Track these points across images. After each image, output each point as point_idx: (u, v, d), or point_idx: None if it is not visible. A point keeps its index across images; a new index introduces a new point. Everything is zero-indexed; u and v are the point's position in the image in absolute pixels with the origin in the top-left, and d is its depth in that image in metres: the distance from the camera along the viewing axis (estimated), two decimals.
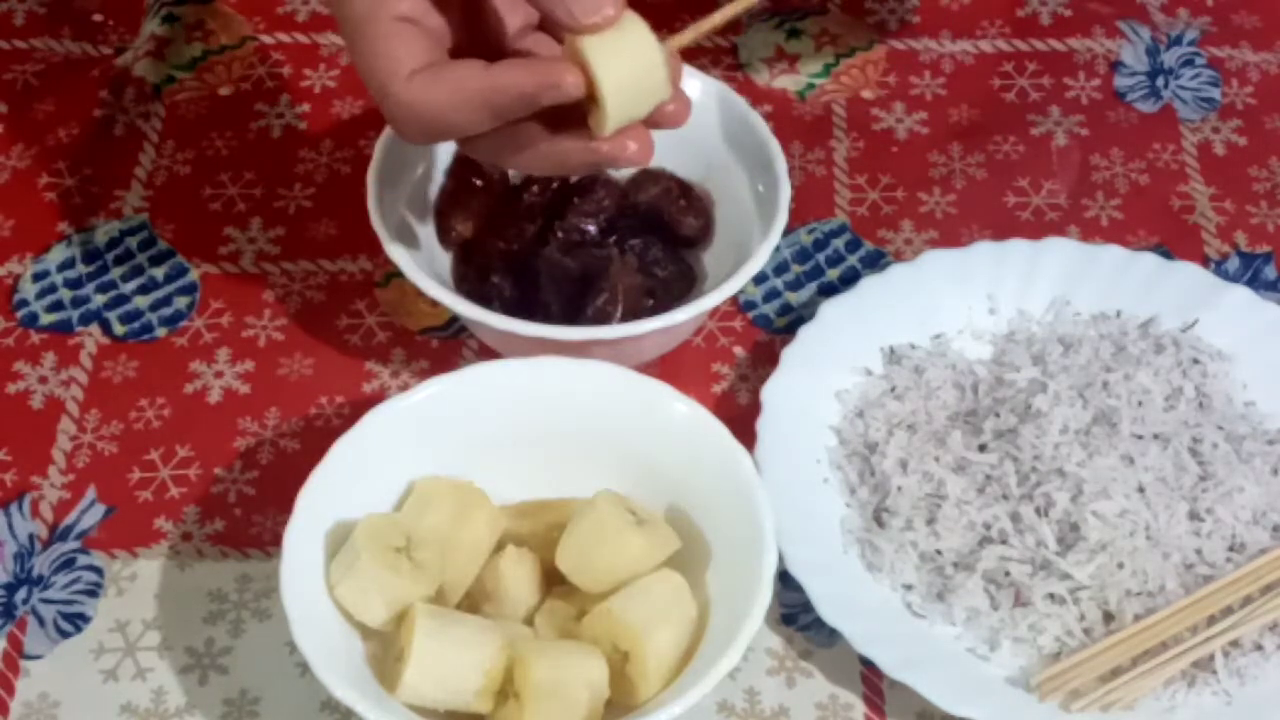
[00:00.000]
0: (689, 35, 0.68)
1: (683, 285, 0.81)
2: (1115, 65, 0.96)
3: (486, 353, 0.81)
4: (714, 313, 0.83)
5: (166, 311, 0.84)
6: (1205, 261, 0.86)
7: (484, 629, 0.66)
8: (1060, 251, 0.83)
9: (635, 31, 0.64)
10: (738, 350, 0.83)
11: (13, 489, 0.77)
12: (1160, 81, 0.95)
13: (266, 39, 0.97)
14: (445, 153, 0.83)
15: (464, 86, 0.64)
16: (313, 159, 0.91)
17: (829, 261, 0.86)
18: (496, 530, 0.70)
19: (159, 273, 0.86)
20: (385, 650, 0.68)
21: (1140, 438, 0.74)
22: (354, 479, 0.70)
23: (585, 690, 0.65)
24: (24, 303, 0.85)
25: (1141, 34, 0.97)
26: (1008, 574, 0.71)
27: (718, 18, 0.69)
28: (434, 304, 0.81)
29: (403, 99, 0.65)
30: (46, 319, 0.84)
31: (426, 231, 0.81)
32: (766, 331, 0.84)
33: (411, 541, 0.67)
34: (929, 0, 0.99)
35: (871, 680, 0.72)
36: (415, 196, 0.81)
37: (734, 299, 0.84)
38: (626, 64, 0.63)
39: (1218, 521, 0.73)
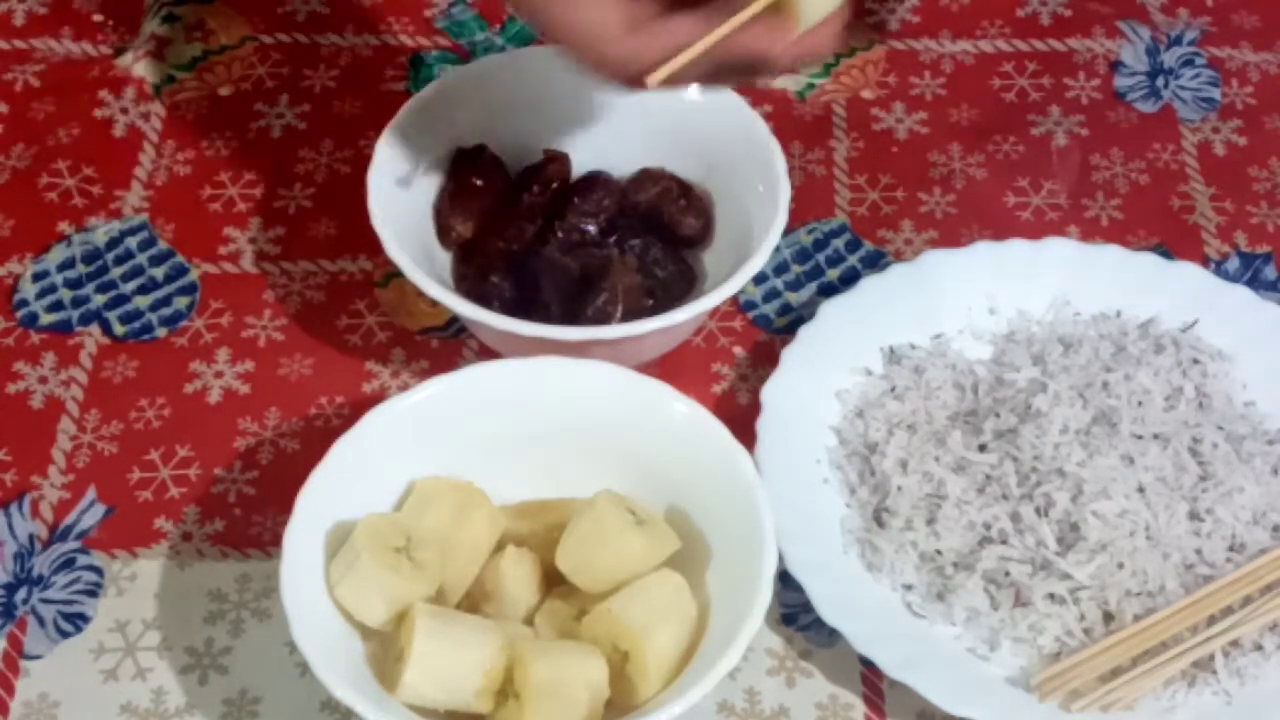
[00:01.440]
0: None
1: (683, 285, 0.81)
2: (1115, 65, 0.96)
3: (486, 353, 0.81)
4: (714, 313, 0.83)
5: (166, 311, 0.84)
6: (1205, 261, 0.86)
7: (484, 629, 0.66)
8: (1060, 251, 0.83)
9: None
10: (738, 350, 0.83)
11: (13, 489, 0.77)
12: (1160, 81, 0.95)
13: (266, 39, 0.97)
14: (445, 153, 0.83)
15: (679, 44, 0.64)
16: (313, 159, 0.91)
17: (829, 261, 0.86)
18: (496, 530, 0.70)
19: (159, 273, 0.86)
20: (385, 650, 0.68)
21: (1140, 438, 0.74)
22: (354, 479, 0.70)
23: (585, 690, 0.65)
24: (24, 303, 0.85)
25: (1141, 34, 0.97)
26: (1008, 574, 0.71)
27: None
28: (434, 304, 0.81)
29: (623, 57, 0.65)
30: (46, 319, 0.84)
31: (426, 231, 0.81)
32: (766, 331, 0.84)
33: (411, 541, 0.67)
34: (929, 0, 0.99)
35: (871, 680, 0.72)
36: (415, 196, 0.81)
37: (734, 299, 0.84)
38: None
39: (1218, 521, 0.73)
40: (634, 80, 0.66)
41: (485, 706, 0.66)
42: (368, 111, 0.93)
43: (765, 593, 0.65)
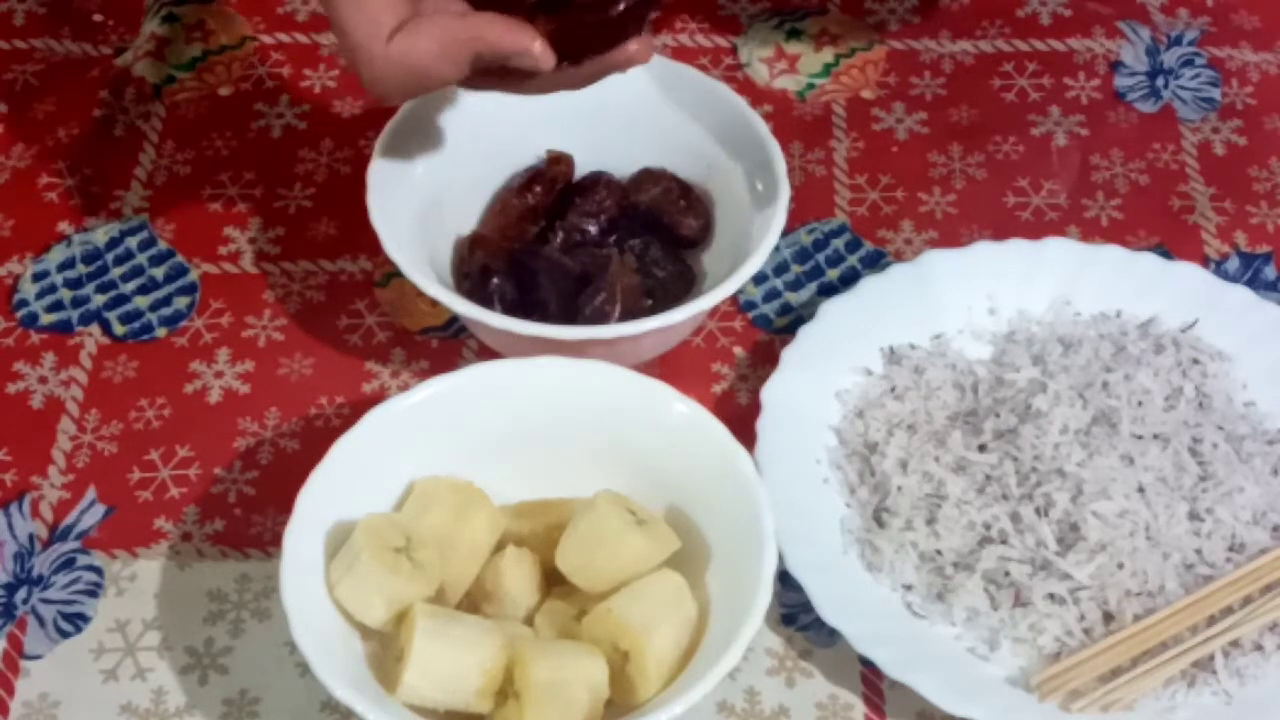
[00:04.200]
0: None
1: (682, 285, 0.81)
2: (1115, 65, 0.96)
3: (486, 353, 0.81)
4: (714, 313, 0.83)
5: (166, 311, 0.84)
6: (1205, 261, 0.86)
7: (484, 629, 0.66)
8: (1060, 251, 0.83)
9: None
10: (738, 350, 0.83)
11: (13, 489, 0.77)
12: (1160, 81, 0.95)
13: (266, 39, 0.97)
14: (445, 152, 0.83)
15: (446, 37, 0.66)
16: (313, 159, 0.91)
17: (829, 261, 0.86)
18: (496, 530, 0.70)
19: (159, 273, 0.86)
20: (385, 650, 0.68)
21: (1140, 438, 0.74)
22: (354, 479, 0.70)
23: (585, 690, 0.65)
24: (24, 303, 0.85)
25: (1141, 34, 0.97)
26: (1008, 574, 0.71)
27: None
28: (434, 304, 0.81)
29: (385, 60, 0.67)
30: (46, 319, 0.84)
31: (426, 231, 0.81)
32: (766, 331, 0.84)
33: (411, 541, 0.67)
34: (929, 0, 0.99)
35: (871, 680, 0.72)
36: (415, 196, 0.81)
37: (734, 299, 0.84)
38: None
39: (1218, 521, 0.73)
40: (394, 91, 0.68)
41: (485, 707, 0.66)
42: (368, 111, 0.93)
43: (765, 593, 0.65)
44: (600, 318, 0.77)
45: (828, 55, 0.96)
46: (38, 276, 0.86)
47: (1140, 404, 0.75)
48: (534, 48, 0.66)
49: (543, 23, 0.67)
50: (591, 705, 0.65)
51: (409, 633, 0.65)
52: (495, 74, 0.69)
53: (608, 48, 0.68)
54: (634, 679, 0.66)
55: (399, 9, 0.67)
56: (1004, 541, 0.72)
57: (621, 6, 0.66)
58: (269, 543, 0.75)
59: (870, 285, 0.81)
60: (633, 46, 0.68)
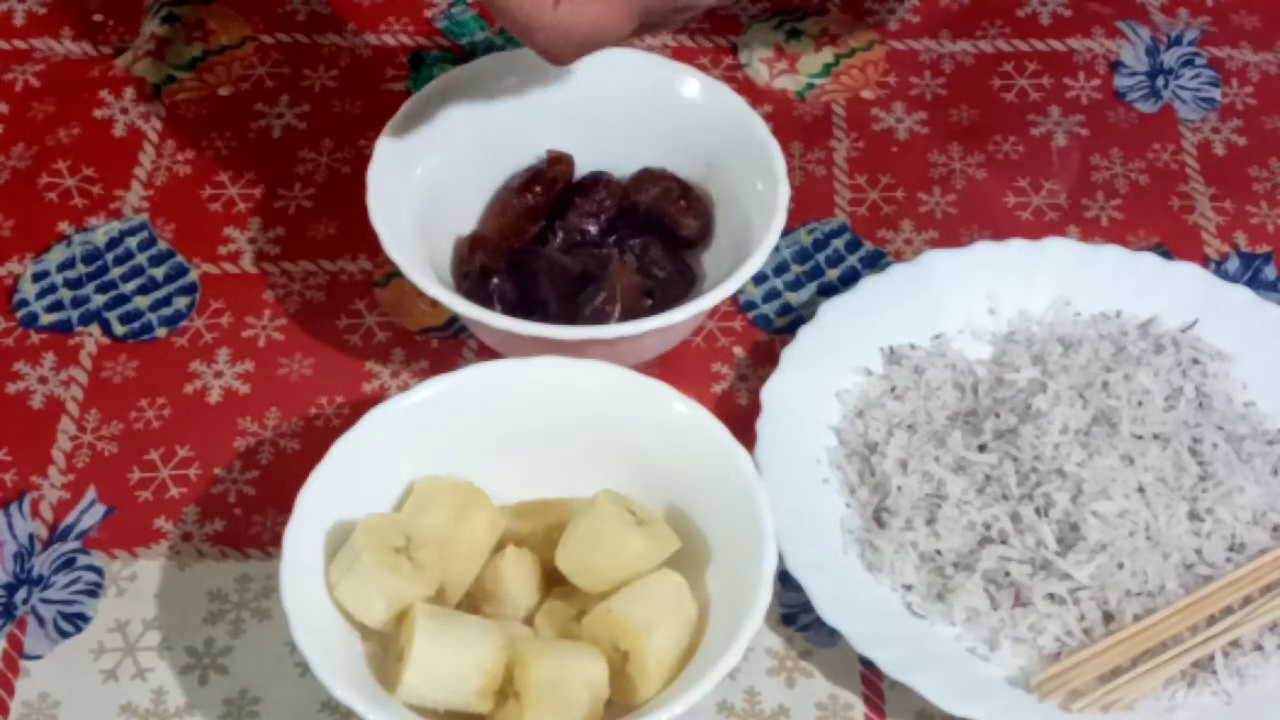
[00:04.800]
0: None
1: (682, 285, 0.81)
2: (1115, 65, 0.96)
3: (486, 353, 0.81)
4: (714, 313, 0.83)
5: (166, 311, 0.84)
6: (1205, 261, 0.86)
7: (484, 629, 0.66)
8: (1060, 251, 0.83)
9: None
10: (738, 350, 0.83)
11: (13, 489, 0.77)
12: (1160, 81, 0.95)
13: (266, 39, 0.97)
14: (445, 153, 0.82)
15: (607, 10, 0.67)
16: (313, 159, 0.91)
17: (829, 261, 0.86)
18: (496, 530, 0.70)
19: (159, 273, 0.86)
20: (385, 650, 0.68)
21: (1140, 438, 0.74)
22: (354, 479, 0.70)
23: (585, 690, 0.65)
24: (24, 303, 0.85)
25: (1141, 34, 0.97)
26: (1008, 574, 0.71)
27: None
28: (434, 304, 0.81)
29: (555, 25, 0.67)
30: (46, 319, 0.84)
31: (426, 231, 0.81)
32: (766, 331, 0.84)
33: (411, 541, 0.67)
34: (929, 0, 0.99)
35: (871, 680, 0.72)
36: (415, 196, 0.81)
37: (734, 299, 0.84)
38: None
39: (1218, 521, 0.73)
40: (562, 53, 0.69)
41: (485, 707, 0.66)
42: (368, 111, 0.93)
43: (765, 593, 0.65)
44: (600, 318, 0.77)
45: (828, 55, 0.96)
46: (38, 276, 0.86)
47: (1140, 404, 0.75)
48: None
49: None
50: (591, 705, 0.65)
51: (409, 633, 0.65)
52: (661, 19, 0.70)
53: None
54: (634, 679, 0.66)
55: None
56: (1004, 541, 0.72)
57: None
58: (269, 543, 0.75)
59: (870, 285, 0.81)
60: None
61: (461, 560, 0.69)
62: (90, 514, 0.77)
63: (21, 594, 0.74)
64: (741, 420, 0.74)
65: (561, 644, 0.67)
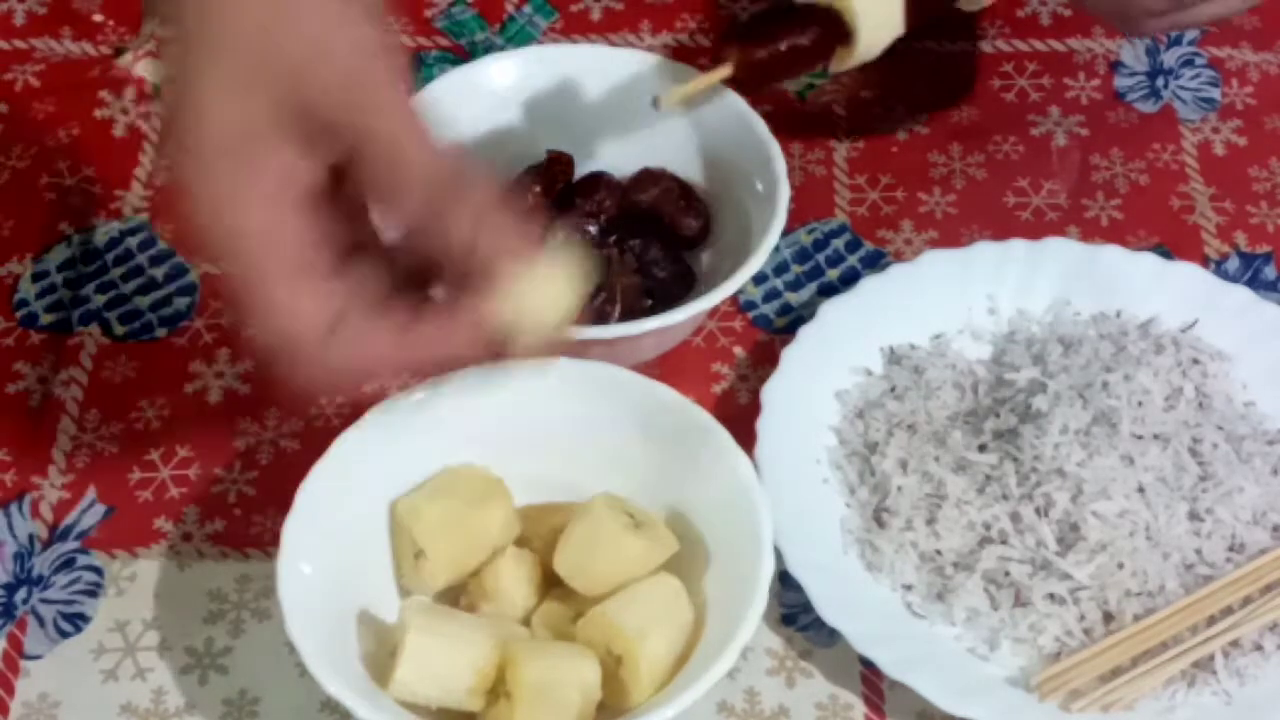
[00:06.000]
0: (680, 94, 0.75)
1: (681, 285, 0.81)
2: (1115, 65, 0.96)
3: None
4: (714, 313, 0.83)
5: (166, 311, 0.84)
6: (1205, 261, 0.86)
7: (477, 627, 0.66)
8: (1060, 251, 0.83)
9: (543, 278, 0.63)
10: (738, 350, 0.83)
11: (13, 489, 0.77)
12: (1160, 81, 0.95)
13: None
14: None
15: (378, 356, 0.62)
16: None
17: (829, 261, 0.86)
18: (510, 529, 0.70)
19: (159, 273, 0.86)
20: (380, 647, 0.68)
21: (1140, 438, 0.74)
22: (354, 476, 0.70)
23: (577, 692, 0.65)
24: (24, 303, 0.85)
25: None
26: (1008, 574, 0.71)
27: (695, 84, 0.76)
28: None
29: (319, 364, 0.61)
30: (46, 319, 0.84)
31: None
32: (766, 331, 0.84)
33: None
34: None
35: (871, 680, 0.72)
36: None
37: (734, 299, 0.84)
38: (535, 306, 0.63)
39: (1218, 521, 0.73)
40: (322, 387, 0.66)
41: (477, 705, 0.65)
42: None
43: (761, 598, 0.65)
44: (600, 318, 0.77)
45: None
46: (38, 276, 0.86)
47: (1140, 404, 0.75)
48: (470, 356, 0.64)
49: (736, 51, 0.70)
50: (583, 707, 0.65)
51: (402, 629, 0.65)
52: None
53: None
54: (627, 683, 0.66)
55: (329, 303, 0.60)
56: (1004, 541, 0.72)
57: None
58: (269, 543, 0.75)
59: (870, 285, 0.81)
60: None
61: (467, 545, 0.69)
62: (90, 514, 0.77)
63: (21, 594, 0.74)
64: (741, 420, 0.74)
65: (555, 645, 0.67)
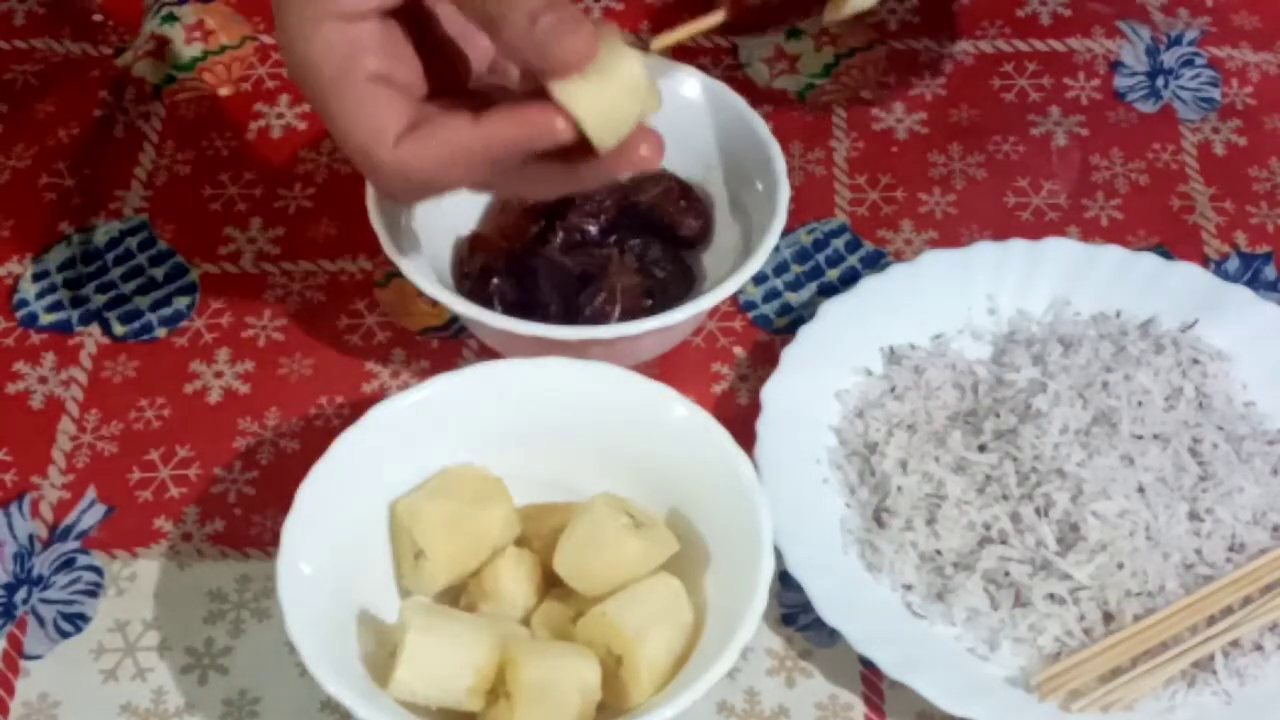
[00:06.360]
0: (672, 38, 0.70)
1: (682, 285, 0.81)
2: (1115, 65, 0.96)
3: (486, 353, 0.81)
4: (714, 313, 0.83)
5: (166, 311, 0.84)
6: (1205, 261, 0.86)
7: (477, 627, 0.66)
8: (1060, 251, 0.83)
9: (614, 57, 0.62)
10: (738, 350, 0.83)
11: (13, 489, 0.77)
12: (1160, 81, 0.95)
13: (266, 39, 0.97)
14: None
15: (455, 145, 0.62)
16: (313, 159, 0.91)
17: (829, 261, 0.86)
18: (510, 529, 0.70)
19: (159, 273, 0.86)
20: (380, 646, 0.68)
21: (1140, 438, 0.74)
22: (354, 476, 0.70)
23: (576, 692, 0.65)
24: (24, 303, 0.85)
25: (1141, 34, 0.97)
26: (1008, 574, 0.71)
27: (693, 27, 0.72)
28: (434, 304, 0.81)
29: (394, 165, 0.63)
30: (46, 319, 0.84)
31: (426, 231, 0.81)
32: (766, 331, 0.84)
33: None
34: (929, 0, 0.99)
35: (871, 680, 0.72)
36: None
37: (734, 299, 0.84)
38: (608, 96, 0.62)
39: (1218, 521, 0.73)
40: (402, 194, 0.66)
41: (476, 705, 0.65)
42: None
43: (761, 599, 0.65)
44: (600, 318, 0.77)
45: (828, 55, 0.96)
46: (38, 276, 0.86)
47: (1140, 404, 0.75)
48: (555, 124, 0.61)
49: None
50: (582, 707, 0.65)
51: (401, 629, 0.65)
52: (514, 174, 0.65)
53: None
54: (626, 683, 0.66)
55: (403, 111, 0.64)
56: (1004, 541, 0.72)
57: None
58: (269, 543, 0.75)
59: (870, 285, 0.81)
60: (643, 151, 0.65)
61: (467, 545, 0.69)
62: (90, 514, 0.77)
63: (21, 594, 0.74)
64: (741, 420, 0.74)
65: (554, 645, 0.67)
